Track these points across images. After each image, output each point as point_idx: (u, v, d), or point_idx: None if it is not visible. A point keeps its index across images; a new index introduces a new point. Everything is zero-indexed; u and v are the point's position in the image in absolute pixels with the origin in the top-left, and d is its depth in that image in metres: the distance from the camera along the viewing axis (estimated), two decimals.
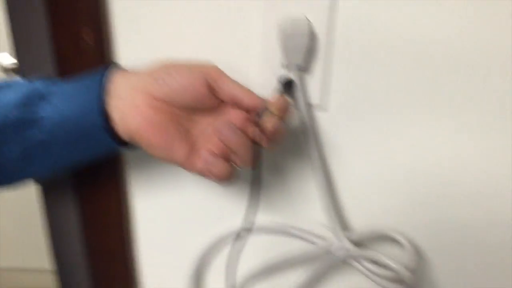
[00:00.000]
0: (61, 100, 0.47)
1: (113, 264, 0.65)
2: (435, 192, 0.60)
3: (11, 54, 0.59)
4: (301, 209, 0.61)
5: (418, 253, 0.63)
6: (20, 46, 0.54)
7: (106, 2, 0.51)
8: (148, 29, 0.52)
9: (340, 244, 0.58)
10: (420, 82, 0.54)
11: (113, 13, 0.51)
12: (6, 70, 1.31)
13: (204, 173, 0.46)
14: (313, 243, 0.61)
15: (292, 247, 0.64)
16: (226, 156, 0.47)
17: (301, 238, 0.62)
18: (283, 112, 0.45)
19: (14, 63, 1.29)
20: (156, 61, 0.48)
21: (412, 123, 0.56)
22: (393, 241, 0.61)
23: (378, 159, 0.59)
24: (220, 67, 0.47)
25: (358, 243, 0.60)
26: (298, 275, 0.63)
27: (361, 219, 0.62)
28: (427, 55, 0.53)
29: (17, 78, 0.53)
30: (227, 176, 0.46)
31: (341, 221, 0.60)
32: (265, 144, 0.46)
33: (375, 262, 0.58)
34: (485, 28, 0.51)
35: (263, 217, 0.62)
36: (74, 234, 0.63)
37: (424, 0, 0.50)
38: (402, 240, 0.58)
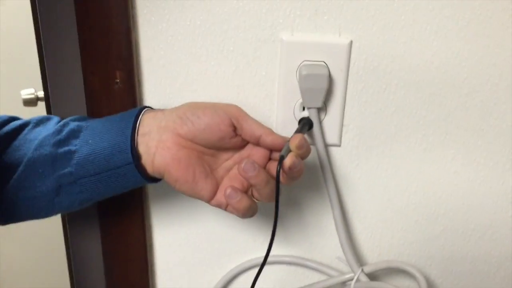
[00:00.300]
0: (93, 137, 0.50)
1: None
2: (447, 227, 0.62)
3: (44, 90, 0.62)
4: (318, 242, 0.64)
5: (431, 286, 0.65)
6: (54, 84, 0.57)
7: (136, 48, 0.54)
8: (175, 73, 0.55)
9: (355, 276, 0.59)
10: (431, 120, 0.57)
11: (142, 57, 0.55)
12: (26, 102, 1.36)
13: (228, 208, 0.49)
14: (329, 275, 0.63)
15: (309, 279, 0.66)
16: (249, 192, 0.50)
17: (317, 271, 0.64)
18: (303, 150, 0.48)
19: (34, 96, 1.34)
20: (182, 102, 0.51)
21: (423, 160, 0.59)
22: (407, 274, 0.63)
23: (391, 194, 0.61)
24: (243, 108, 0.50)
25: (372, 276, 0.61)
26: None
27: (375, 252, 0.64)
28: (436, 95, 0.56)
29: (51, 115, 0.56)
30: (249, 211, 0.48)
31: (356, 254, 0.62)
32: (285, 181, 0.48)
33: None
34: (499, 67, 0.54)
35: (280, 250, 0.64)
36: (96, 264, 0.65)
37: (435, 42, 0.53)
38: (416, 273, 0.60)
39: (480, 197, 0.60)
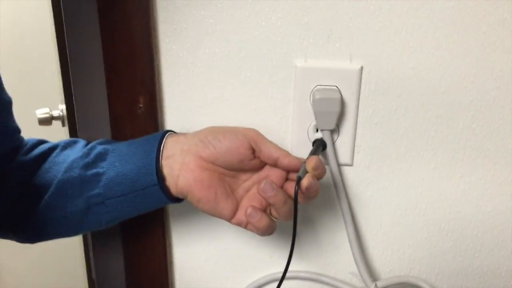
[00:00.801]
0: (119, 160, 0.53)
1: None
2: (456, 242, 0.64)
3: (68, 112, 0.65)
4: (332, 258, 0.66)
5: None
6: (80, 108, 0.60)
7: (158, 74, 0.58)
8: (195, 97, 0.58)
9: None
10: (440, 140, 0.59)
11: (164, 83, 0.58)
12: (41, 121, 1.39)
13: (248, 226, 0.52)
14: None
15: None
16: (267, 211, 0.52)
17: (332, 286, 0.66)
18: (318, 171, 0.51)
19: (49, 115, 1.37)
20: (204, 127, 0.54)
21: (433, 178, 0.61)
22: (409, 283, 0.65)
23: (402, 211, 0.63)
24: (259, 130, 0.53)
25: None
26: None
27: (387, 267, 0.66)
28: (443, 117, 0.58)
29: (77, 139, 0.59)
30: (268, 229, 0.51)
31: (369, 269, 0.65)
32: (302, 200, 0.51)
33: None
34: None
35: (296, 266, 0.66)
36: (118, 280, 0.68)
37: (441, 68, 0.56)
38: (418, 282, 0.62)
39: (487, 214, 0.63)
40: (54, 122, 1.39)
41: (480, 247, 0.65)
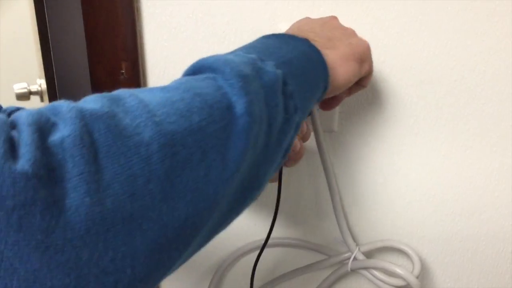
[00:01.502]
0: None
1: None
2: (437, 207, 0.66)
3: (48, 81, 0.64)
4: (316, 224, 0.67)
5: (423, 263, 0.68)
6: (60, 75, 0.59)
7: (141, 39, 0.57)
8: (178, 63, 0.58)
9: (352, 255, 0.62)
10: (422, 106, 0.60)
11: (146, 49, 0.57)
12: (19, 96, 1.36)
13: None
14: (326, 255, 0.66)
15: (307, 259, 0.69)
16: None
17: (316, 251, 0.67)
18: (303, 133, 0.51)
19: (27, 90, 1.35)
20: None
21: (415, 143, 0.62)
22: (401, 252, 0.66)
23: (384, 177, 0.64)
24: None
25: (368, 255, 0.65)
26: (311, 285, 0.68)
27: (371, 233, 0.67)
28: (426, 82, 0.59)
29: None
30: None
31: (352, 235, 0.65)
32: (287, 164, 0.51)
33: (384, 271, 0.62)
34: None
35: (280, 233, 0.67)
36: None
37: (425, 33, 0.56)
38: (409, 251, 0.63)
39: (468, 179, 0.64)
40: (32, 97, 1.36)
41: (460, 211, 0.66)
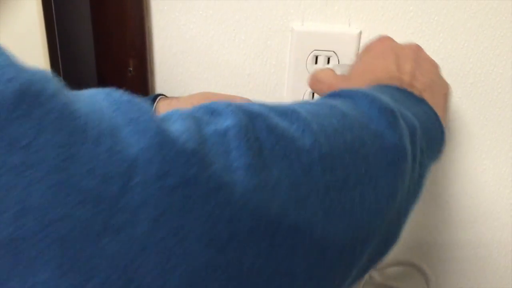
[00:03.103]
0: None
1: None
2: (450, 214, 0.64)
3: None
4: None
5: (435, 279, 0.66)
6: (67, 71, 0.58)
7: (149, 36, 0.55)
8: (187, 61, 0.56)
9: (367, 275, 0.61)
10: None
11: (155, 46, 0.56)
12: None
13: None
14: None
15: None
16: None
17: None
18: None
19: None
20: (193, 91, 0.53)
21: None
22: (417, 273, 0.65)
23: None
24: (254, 96, 0.51)
25: (383, 274, 0.64)
26: None
27: (389, 255, 0.66)
28: None
29: None
30: None
31: None
32: None
33: None
34: None
35: None
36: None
37: (442, 34, 0.55)
38: (426, 271, 0.62)
39: (482, 184, 0.62)
40: None
41: (474, 218, 0.64)
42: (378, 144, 0.29)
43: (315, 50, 0.55)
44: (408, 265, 0.64)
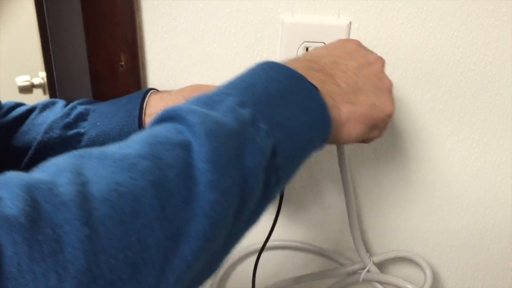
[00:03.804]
0: (101, 119, 0.51)
1: None
2: (442, 201, 0.65)
3: (48, 74, 0.63)
4: (329, 231, 0.66)
5: (435, 278, 0.67)
6: (59, 68, 0.58)
7: (140, 31, 0.56)
8: (178, 55, 0.56)
9: (365, 268, 0.62)
10: (427, 99, 0.59)
11: (146, 40, 0.56)
12: (22, 89, 1.36)
13: None
14: (338, 263, 0.66)
15: (315, 265, 0.68)
16: None
17: (326, 257, 0.67)
18: None
19: (30, 83, 1.34)
20: (185, 84, 0.53)
21: (420, 137, 0.61)
22: (413, 264, 0.65)
23: (387, 170, 0.63)
24: None
25: (380, 265, 0.64)
26: None
27: (384, 243, 0.66)
28: (432, 74, 0.57)
29: (56, 99, 0.57)
30: None
31: (366, 245, 0.65)
32: None
33: (396, 286, 0.62)
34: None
35: (291, 234, 0.66)
36: None
37: (431, 23, 0.55)
38: (422, 264, 0.63)
39: (474, 173, 0.63)
40: (35, 90, 1.36)
41: (466, 206, 0.65)
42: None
43: (305, 41, 0.55)
44: (404, 255, 0.65)
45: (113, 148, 0.28)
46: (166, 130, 0.30)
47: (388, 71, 0.57)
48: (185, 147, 0.28)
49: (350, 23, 0.55)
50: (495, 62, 0.56)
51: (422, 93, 0.58)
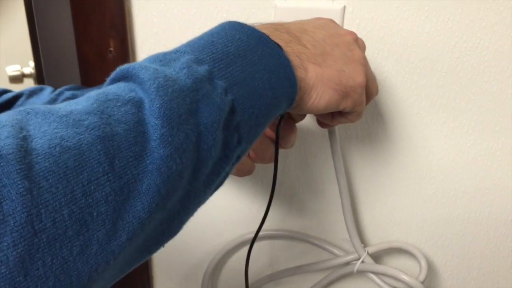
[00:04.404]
0: None
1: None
2: (438, 189, 0.64)
3: (36, 61, 0.62)
4: (323, 221, 0.65)
5: (430, 266, 0.67)
6: (47, 54, 0.57)
7: (129, 16, 0.54)
8: (169, 40, 0.55)
9: (359, 259, 0.62)
10: (422, 84, 0.58)
11: (135, 25, 0.55)
12: (12, 79, 1.34)
13: None
14: (332, 253, 0.65)
15: (309, 255, 0.68)
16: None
17: (321, 248, 0.66)
18: (298, 117, 0.49)
19: (20, 72, 1.32)
20: None
21: (415, 124, 0.60)
22: (408, 254, 0.65)
23: (383, 155, 0.62)
24: None
25: (375, 256, 0.64)
26: (313, 283, 0.67)
27: (378, 233, 0.66)
28: (427, 59, 0.56)
29: (43, 86, 0.56)
30: (248, 172, 0.49)
31: (360, 234, 0.64)
32: (282, 145, 0.49)
33: (391, 276, 0.61)
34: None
35: (282, 224, 0.65)
36: None
37: (427, 7, 0.54)
38: (417, 254, 0.62)
39: (470, 160, 0.62)
40: (25, 80, 1.35)
41: (462, 194, 0.64)
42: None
43: None
44: (399, 246, 0.64)
45: (61, 105, 0.27)
46: (118, 88, 0.29)
47: (383, 56, 0.56)
48: (137, 103, 0.28)
49: (344, 7, 0.53)
50: (491, 47, 0.55)
51: (418, 78, 0.57)
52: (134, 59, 0.56)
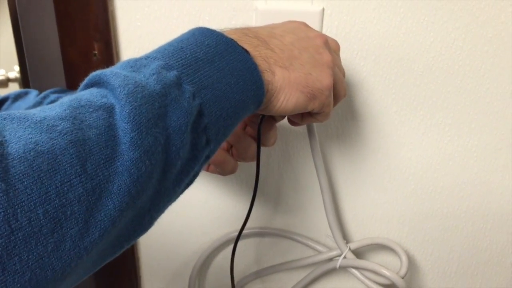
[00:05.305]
0: None
1: (116, 271, 0.68)
2: (417, 186, 0.66)
3: (20, 65, 0.62)
4: (306, 218, 0.66)
5: (411, 261, 0.68)
6: (32, 58, 0.58)
7: (113, 19, 0.55)
8: (152, 43, 0.56)
9: (342, 255, 0.63)
10: (400, 83, 0.60)
11: (119, 29, 0.56)
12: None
13: (210, 168, 0.51)
14: (315, 250, 0.66)
15: (294, 252, 0.69)
16: (230, 152, 0.52)
17: (304, 245, 0.67)
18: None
19: (5, 77, 1.32)
20: None
21: (393, 122, 0.62)
22: (390, 249, 0.66)
23: (361, 153, 0.64)
24: None
25: (357, 252, 0.65)
26: (298, 279, 0.68)
27: (360, 229, 0.67)
28: (404, 59, 0.58)
29: (29, 89, 0.57)
30: (232, 171, 0.51)
31: (342, 231, 0.66)
32: (263, 143, 0.50)
33: (372, 271, 0.63)
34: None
35: (268, 222, 0.67)
36: None
37: (402, 9, 0.56)
38: (398, 250, 0.64)
39: (447, 156, 0.64)
40: (10, 84, 1.34)
41: (440, 189, 0.66)
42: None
43: None
44: (380, 242, 0.66)
45: (35, 111, 0.29)
46: (90, 94, 0.31)
47: (361, 56, 0.58)
48: (108, 109, 0.30)
49: (323, 9, 0.55)
50: (465, 46, 0.57)
51: (395, 78, 0.59)
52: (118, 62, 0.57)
